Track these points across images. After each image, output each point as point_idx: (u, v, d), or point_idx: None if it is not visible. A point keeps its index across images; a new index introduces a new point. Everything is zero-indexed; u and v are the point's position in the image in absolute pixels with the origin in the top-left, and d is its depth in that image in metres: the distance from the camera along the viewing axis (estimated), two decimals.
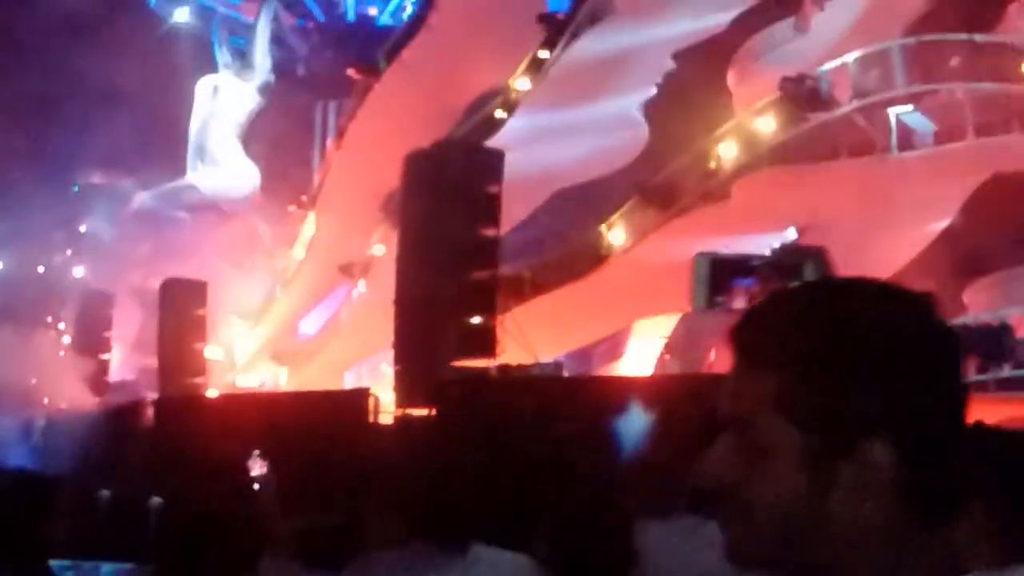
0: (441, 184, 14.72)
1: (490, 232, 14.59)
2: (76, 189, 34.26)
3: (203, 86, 32.09)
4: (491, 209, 14.74)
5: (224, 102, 32.05)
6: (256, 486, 9.55)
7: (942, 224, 21.24)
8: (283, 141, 30.81)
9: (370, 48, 25.76)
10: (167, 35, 34.10)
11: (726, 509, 1.12)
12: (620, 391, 13.29)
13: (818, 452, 1.06)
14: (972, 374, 16.21)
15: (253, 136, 32.23)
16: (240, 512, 4.01)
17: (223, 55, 33.61)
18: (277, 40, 33.65)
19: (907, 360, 1.07)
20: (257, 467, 11.61)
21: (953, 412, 1.12)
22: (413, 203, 15.32)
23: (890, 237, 21.21)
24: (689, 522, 3.83)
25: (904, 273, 20.52)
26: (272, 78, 32.61)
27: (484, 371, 14.21)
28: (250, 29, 33.48)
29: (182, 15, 34.55)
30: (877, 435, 1.05)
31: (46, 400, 22.92)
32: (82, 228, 32.67)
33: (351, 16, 33.62)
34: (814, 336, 1.08)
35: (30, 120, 30.08)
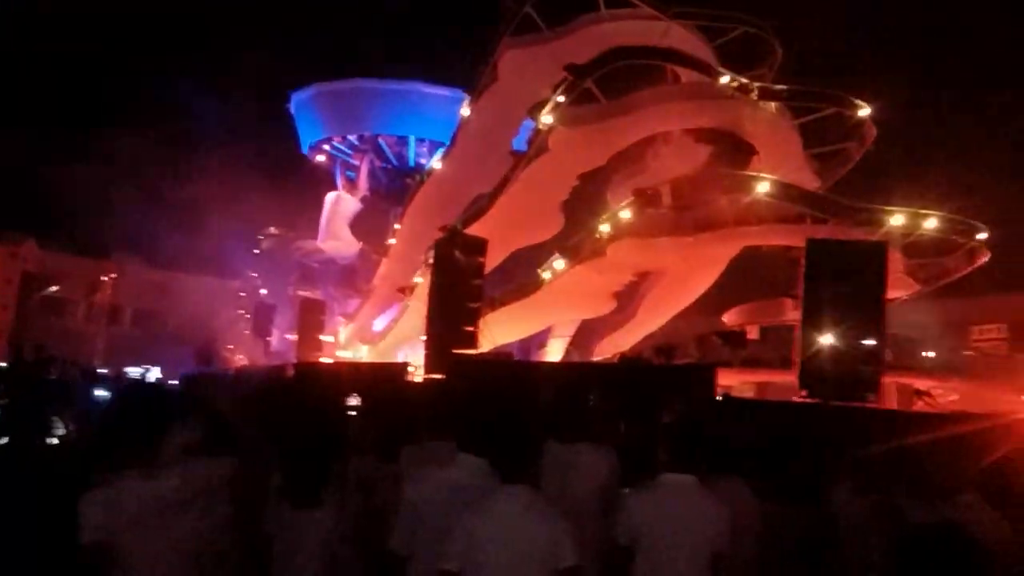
0: (452, 258, 17.57)
1: (477, 282, 17.68)
2: (261, 238, 42.75)
3: (329, 197, 40.53)
4: (479, 270, 17.68)
5: (341, 204, 40.01)
6: (352, 412, 13.00)
7: (717, 273, 25.20)
8: (372, 226, 38.20)
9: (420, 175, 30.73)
10: (313, 168, 43.51)
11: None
12: (543, 369, 16.99)
13: None
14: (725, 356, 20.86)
15: (356, 224, 40.18)
16: (343, 426, 5.79)
17: (342, 180, 42.01)
18: (371, 174, 41.73)
19: None
20: (353, 400, 13.54)
21: None
22: (439, 265, 18.24)
23: (694, 279, 25.17)
24: (584, 446, 5.20)
25: (696, 302, 25.84)
26: (368, 194, 40.86)
27: (471, 356, 16.39)
28: (357, 168, 41.91)
29: (321, 158, 43.72)
30: None
31: (237, 361, 28.24)
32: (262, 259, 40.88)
33: (411, 162, 41.02)
34: None
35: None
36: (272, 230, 42.84)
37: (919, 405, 19.28)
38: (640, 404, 6.63)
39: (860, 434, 7.08)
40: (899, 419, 11.20)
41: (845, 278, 12.65)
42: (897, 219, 21.86)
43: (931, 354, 21.22)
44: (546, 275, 24.03)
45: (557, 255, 24.33)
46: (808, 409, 11.83)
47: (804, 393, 12.50)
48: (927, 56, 33.86)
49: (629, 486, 4.93)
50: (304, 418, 5.68)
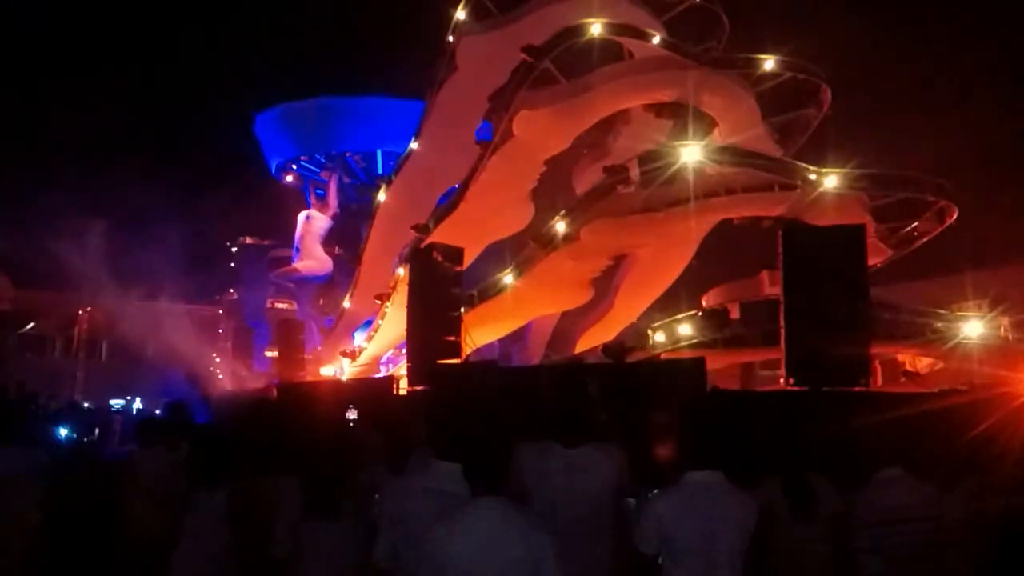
0: (432, 265, 17.56)
1: (456, 291, 17.72)
2: (235, 249, 42.55)
3: (302, 215, 39.82)
4: (457, 278, 17.77)
5: (312, 223, 39.42)
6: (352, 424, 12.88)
7: (691, 252, 24.38)
8: (344, 243, 37.96)
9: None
10: (282, 189, 42.57)
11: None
12: (524, 372, 17.48)
13: None
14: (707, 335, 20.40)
15: (328, 242, 39.67)
16: (350, 439, 5.76)
17: (312, 199, 41.42)
18: (341, 191, 41.09)
19: None
20: (351, 414, 13.97)
21: None
22: (415, 276, 18.17)
23: (670, 259, 24.44)
24: (558, 449, 4.90)
25: (675, 283, 25.09)
26: (338, 211, 40.28)
27: (454, 365, 16.62)
28: (326, 185, 41.29)
29: (289, 178, 42.93)
30: None
31: (219, 384, 27.96)
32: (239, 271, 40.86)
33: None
34: None
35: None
36: (247, 239, 41.50)
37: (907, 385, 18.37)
38: (632, 401, 6.44)
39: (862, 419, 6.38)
40: (894, 401, 10.57)
41: (824, 263, 12.11)
42: (862, 180, 20.93)
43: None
44: (520, 268, 22.99)
45: (530, 246, 23.06)
46: (800, 397, 11.48)
47: (791, 381, 11.94)
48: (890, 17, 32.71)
49: (644, 488, 4.76)
50: (312, 435, 5.69)
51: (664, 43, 22.14)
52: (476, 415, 3.87)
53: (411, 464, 5.43)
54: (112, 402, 29.55)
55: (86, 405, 24.34)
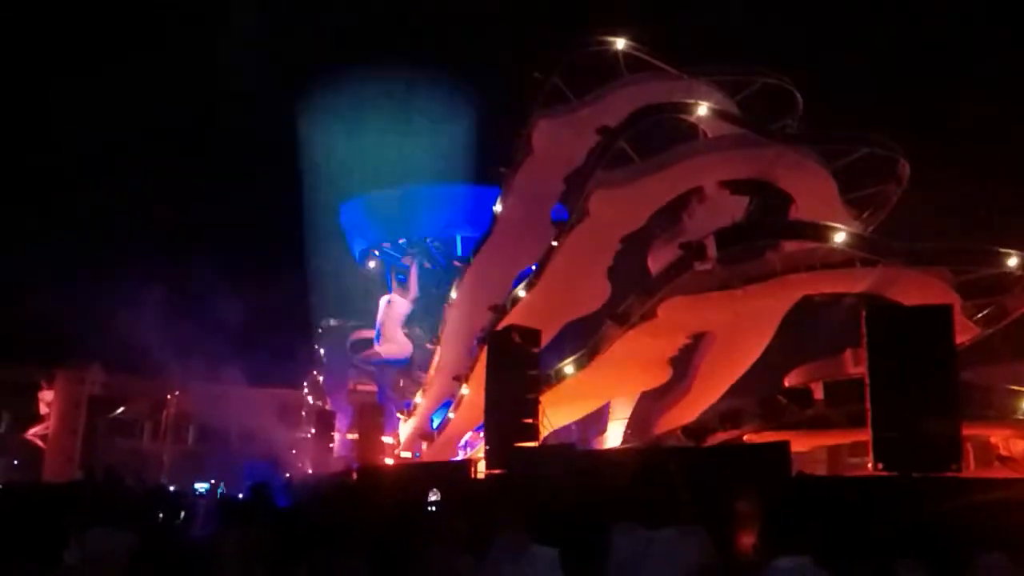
0: (509, 347, 17.90)
1: (533, 372, 17.95)
2: (320, 330, 43.19)
3: (383, 300, 40.46)
4: (533, 360, 17.98)
5: (394, 308, 39.91)
6: (433, 507, 13.71)
7: (771, 331, 23.40)
8: (425, 325, 37.95)
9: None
10: (364, 274, 43.40)
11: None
12: (604, 455, 18.10)
13: None
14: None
15: (409, 325, 40.07)
16: (420, 519, 5.98)
17: (394, 284, 42.00)
18: (421, 275, 41.62)
19: None
20: (433, 496, 14.87)
21: None
22: (493, 359, 18.47)
23: (749, 338, 23.54)
24: (643, 532, 4.81)
25: (755, 363, 24.01)
26: (418, 295, 40.67)
27: (531, 448, 16.68)
28: (407, 271, 41.96)
29: (373, 264, 43.81)
30: None
31: (300, 466, 28.55)
32: (322, 351, 41.00)
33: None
34: None
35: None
36: (331, 321, 42.73)
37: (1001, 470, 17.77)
38: (714, 485, 6.38)
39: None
40: (989, 487, 10.10)
41: (911, 344, 11.89)
42: (948, 256, 20.28)
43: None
44: (596, 346, 22.64)
45: (607, 324, 22.74)
46: (890, 483, 11.16)
47: (880, 466, 11.66)
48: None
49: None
50: (387, 516, 5.81)
51: (738, 121, 22.15)
52: (570, 499, 4.10)
53: (497, 548, 5.26)
54: (197, 485, 29.81)
55: (172, 488, 24.49)
